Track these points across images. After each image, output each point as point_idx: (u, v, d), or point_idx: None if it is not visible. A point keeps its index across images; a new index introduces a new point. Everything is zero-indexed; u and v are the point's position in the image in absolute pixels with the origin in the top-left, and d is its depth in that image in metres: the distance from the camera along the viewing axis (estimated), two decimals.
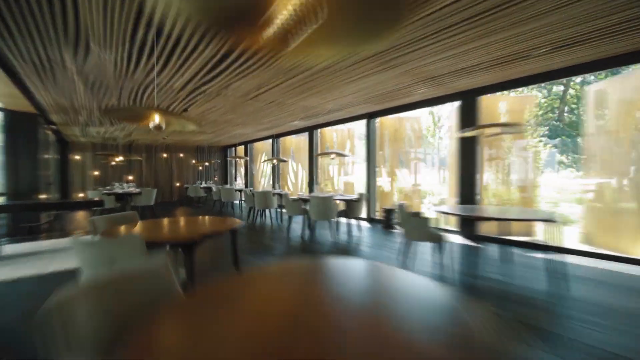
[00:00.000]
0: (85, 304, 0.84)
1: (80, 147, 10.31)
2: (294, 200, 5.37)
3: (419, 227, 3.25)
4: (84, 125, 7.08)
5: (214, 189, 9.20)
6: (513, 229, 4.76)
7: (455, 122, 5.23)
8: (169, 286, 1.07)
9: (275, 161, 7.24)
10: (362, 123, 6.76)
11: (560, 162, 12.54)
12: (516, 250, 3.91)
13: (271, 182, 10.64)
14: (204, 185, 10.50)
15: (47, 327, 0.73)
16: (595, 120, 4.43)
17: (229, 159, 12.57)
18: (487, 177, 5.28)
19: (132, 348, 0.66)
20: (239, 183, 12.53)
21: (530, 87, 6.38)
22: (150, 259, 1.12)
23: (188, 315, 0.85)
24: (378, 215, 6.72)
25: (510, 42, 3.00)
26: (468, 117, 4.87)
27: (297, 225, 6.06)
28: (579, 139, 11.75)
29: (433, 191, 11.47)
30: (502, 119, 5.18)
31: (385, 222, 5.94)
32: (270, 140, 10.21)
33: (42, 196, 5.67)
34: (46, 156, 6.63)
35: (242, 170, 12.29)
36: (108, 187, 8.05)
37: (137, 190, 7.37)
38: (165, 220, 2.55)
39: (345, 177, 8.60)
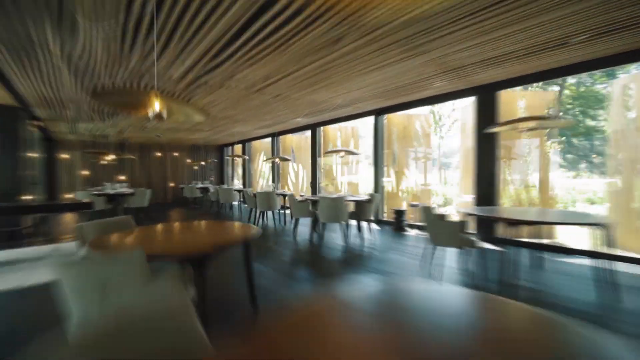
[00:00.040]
0: None
1: (69, 145, 9.76)
2: (300, 201, 5.02)
3: (448, 232, 2.93)
4: (72, 120, 6.60)
5: (211, 189, 8.77)
6: (535, 231, 4.49)
7: (473, 118, 4.95)
8: (190, 334, 0.72)
9: (277, 160, 6.86)
10: (368, 120, 6.46)
11: (571, 162, 12.42)
12: (540, 254, 3.63)
13: (270, 183, 10.25)
14: (200, 185, 10.05)
15: None
16: (622, 116, 4.19)
17: (227, 157, 12.13)
18: (504, 177, 5.01)
19: None
20: (237, 183, 12.10)
21: (544, 83, 6.16)
22: (157, 283, 0.75)
23: None
24: (386, 216, 6.41)
25: (548, 28, 2.71)
26: (486, 113, 4.60)
27: (303, 227, 5.71)
28: (574, 139, 11.65)
29: (436, 191, 11.24)
30: (520, 115, 4.92)
31: (395, 224, 5.63)
32: (270, 139, 9.83)
33: (26, 198, 5.20)
34: (30, 154, 6.14)
35: (240, 170, 11.87)
36: (98, 188, 7.56)
37: (130, 190, 6.91)
38: (166, 226, 2.17)
39: (349, 177, 8.27)
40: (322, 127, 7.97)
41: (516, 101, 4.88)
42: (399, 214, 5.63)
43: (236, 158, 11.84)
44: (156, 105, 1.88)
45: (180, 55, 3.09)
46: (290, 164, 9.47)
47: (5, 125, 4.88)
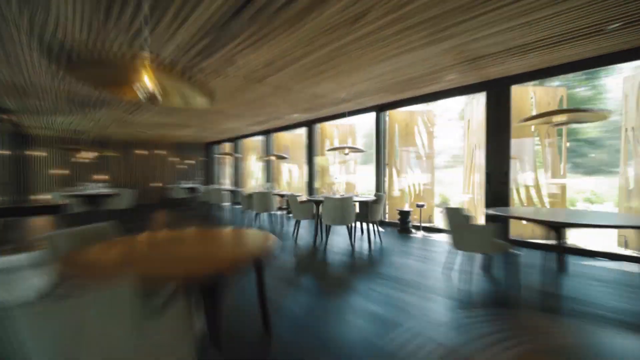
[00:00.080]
0: None
1: (44, 142, 8.99)
2: (302, 202, 4.66)
3: (479, 237, 2.65)
4: (47, 113, 5.99)
5: (200, 189, 8.27)
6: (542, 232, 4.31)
7: (482, 114, 4.73)
8: None
9: (273, 158, 6.48)
10: (366, 118, 6.18)
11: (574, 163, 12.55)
12: (560, 257, 3.43)
13: (267, 183, 9.82)
14: (187, 185, 9.50)
15: None
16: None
17: (217, 155, 11.57)
18: (514, 176, 4.82)
19: None
20: (226, 183, 11.58)
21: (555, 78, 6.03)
22: (153, 324, 0.40)
23: None
24: (388, 217, 6.14)
25: (586, 12, 2.48)
26: (499, 109, 4.39)
27: (302, 230, 5.35)
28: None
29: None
30: (532, 112, 4.75)
31: (401, 226, 5.36)
32: (261, 137, 9.40)
33: None
34: None
35: (229, 169, 11.35)
36: (76, 188, 6.94)
37: (112, 191, 6.35)
38: (159, 236, 1.77)
39: (347, 176, 7.96)
40: (318, 125, 7.62)
41: (527, 97, 4.71)
42: (404, 214, 5.37)
43: (225, 157, 11.33)
44: (146, 81, 1.49)
45: (174, 34, 2.68)
46: (284, 162, 9.07)
47: None
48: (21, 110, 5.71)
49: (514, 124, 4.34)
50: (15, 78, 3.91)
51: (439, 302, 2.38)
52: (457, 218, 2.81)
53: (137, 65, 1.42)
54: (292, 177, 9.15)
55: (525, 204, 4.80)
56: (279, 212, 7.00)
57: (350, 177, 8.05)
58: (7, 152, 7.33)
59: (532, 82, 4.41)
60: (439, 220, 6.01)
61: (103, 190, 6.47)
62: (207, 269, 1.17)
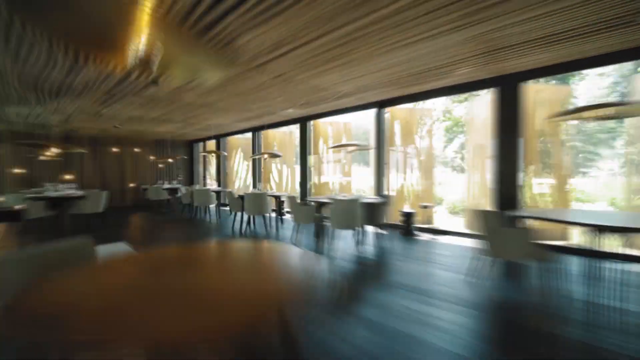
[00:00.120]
0: None
1: None
2: (304, 204, 4.24)
3: (518, 242, 2.38)
4: None
5: (182, 190, 7.59)
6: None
7: (491, 112, 4.55)
8: None
9: (266, 156, 6.00)
10: (362, 116, 5.87)
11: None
12: (590, 262, 3.27)
13: (249, 183, 9.26)
14: (167, 186, 8.74)
15: None
16: None
17: (202, 154, 10.81)
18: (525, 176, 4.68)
19: None
20: (210, 183, 10.88)
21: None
22: None
23: None
24: (386, 219, 5.85)
25: (614, 2, 2.30)
26: (509, 107, 4.22)
27: (300, 234, 4.92)
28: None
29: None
30: (540, 110, 4.62)
31: (404, 228, 5.08)
32: (250, 134, 8.85)
33: None
34: None
35: (213, 168, 10.65)
36: (37, 190, 6.07)
37: (79, 193, 5.59)
38: (158, 260, 1.30)
39: (339, 176, 7.61)
40: (312, 122, 7.22)
41: (535, 94, 4.58)
42: (408, 216, 5.10)
43: (208, 155, 10.61)
44: (142, 41, 1.04)
45: None
46: (272, 162, 8.58)
47: None
48: None
49: (546, 119, 4.19)
50: None
51: (478, 318, 2.07)
52: (491, 221, 2.53)
53: (134, 14, 0.97)
54: (281, 177, 8.66)
55: (534, 205, 4.68)
56: (272, 215, 6.52)
57: (345, 177, 7.71)
58: None
59: (535, 80, 4.28)
60: (440, 222, 5.81)
61: (68, 191, 5.68)
62: (253, 319, 0.74)
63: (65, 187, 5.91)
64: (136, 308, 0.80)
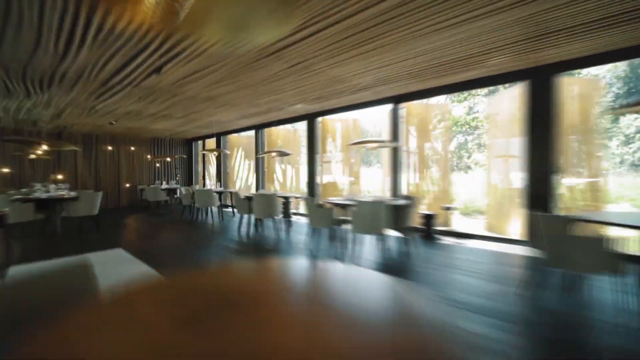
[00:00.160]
0: None
1: None
2: (320, 206, 3.88)
3: (587, 250, 2.04)
4: None
5: (182, 191, 7.17)
6: None
7: (512, 109, 4.25)
8: None
9: (274, 154, 5.63)
10: (371, 112, 5.53)
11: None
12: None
13: (250, 183, 8.86)
14: (166, 186, 8.30)
15: None
16: None
17: (203, 152, 10.36)
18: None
19: None
20: (210, 184, 10.44)
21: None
22: None
23: None
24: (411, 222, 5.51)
25: None
26: (542, 100, 3.91)
27: (302, 237, 4.55)
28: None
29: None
30: (572, 105, 4.33)
31: (425, 231, 4.75)
32: (250, 132, 8.46)
33: None
34: None
35: (212, 168, 10.21)
36: (24, 190, 5.60)
37: (72, 194, 5.15)
38: (185, 285, 0.93)
39: (346, 176, 7.26)
40: (320, 118, 6.85)
41: (568, 87, 4.28)
42: (428, 218, 4.76)
43: (208, 154, 10.17)
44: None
45: None
46: (276, 161, 8.19)
47: None
48: None
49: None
50: None
51: (549, 343, 1.73)
52: (553, 227, 2.19)
53: None
54: (285, 177, 8.28)
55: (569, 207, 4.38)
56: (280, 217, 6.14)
57: (352, 178, 7.36)
58: None
59: (567, 72, 3.98)
60: (457, 224, 5.50)
61: (59, 192, 5.23)
62: None
63: (57, 188, 5.46)
64: None
